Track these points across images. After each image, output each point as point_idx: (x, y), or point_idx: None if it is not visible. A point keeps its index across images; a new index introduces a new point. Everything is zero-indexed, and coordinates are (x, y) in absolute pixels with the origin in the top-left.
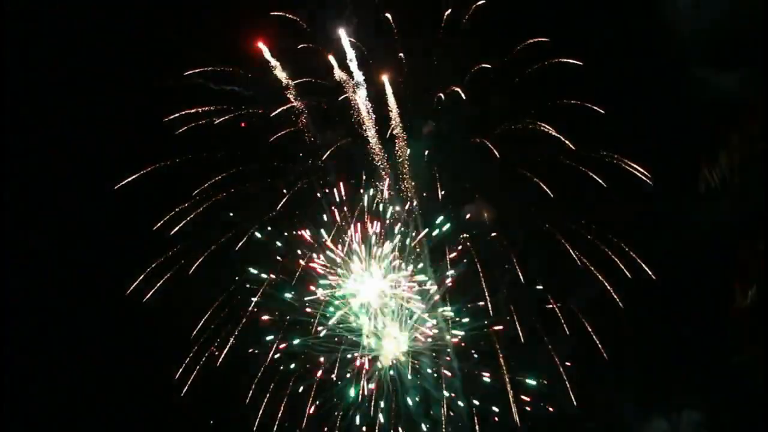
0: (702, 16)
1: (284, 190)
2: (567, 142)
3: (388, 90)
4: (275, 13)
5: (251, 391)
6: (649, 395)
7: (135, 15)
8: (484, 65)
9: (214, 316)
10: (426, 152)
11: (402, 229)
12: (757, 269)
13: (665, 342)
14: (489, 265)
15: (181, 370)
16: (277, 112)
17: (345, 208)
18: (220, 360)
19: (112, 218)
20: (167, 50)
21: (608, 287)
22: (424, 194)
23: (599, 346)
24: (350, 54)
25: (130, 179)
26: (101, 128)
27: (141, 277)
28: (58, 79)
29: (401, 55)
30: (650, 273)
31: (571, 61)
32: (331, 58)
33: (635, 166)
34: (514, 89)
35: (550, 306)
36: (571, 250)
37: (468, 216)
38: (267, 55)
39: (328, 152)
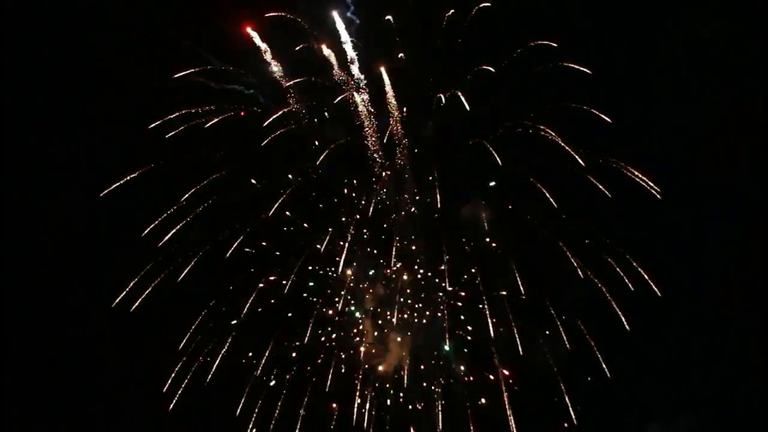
0: (707, 24)
1: (281, 191)
2: (567, 147)
3: (388, 86)
4: (276, 14)
5: (242, 403)
6: (648, 401)
7: (134, 15)
8: (485, 67)
9: (203, 325)
10: (426, 152)
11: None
12: (755, 270)
13: (666, 348)
14: (489, 271)
15: (170, 381)
16: (278, 114)
17: (344, 209)
18: (212, 372)
19: (101, 224)
20: (167, 50)
21: (608, 295)
22: (417, 187)
23: (598, 355)
24: (351, 54)
25: (119, 183)
26: (97, 130)
27: (130, 285)
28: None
29: (401, 55)
30: (649, 280)
31: (574, 66)
32: (332, 58)
33: (636, 172)
34: (514, 91)
35: (547, 311)
36: (570, 257)
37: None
38: (268, 56)
39: (327, 152)
